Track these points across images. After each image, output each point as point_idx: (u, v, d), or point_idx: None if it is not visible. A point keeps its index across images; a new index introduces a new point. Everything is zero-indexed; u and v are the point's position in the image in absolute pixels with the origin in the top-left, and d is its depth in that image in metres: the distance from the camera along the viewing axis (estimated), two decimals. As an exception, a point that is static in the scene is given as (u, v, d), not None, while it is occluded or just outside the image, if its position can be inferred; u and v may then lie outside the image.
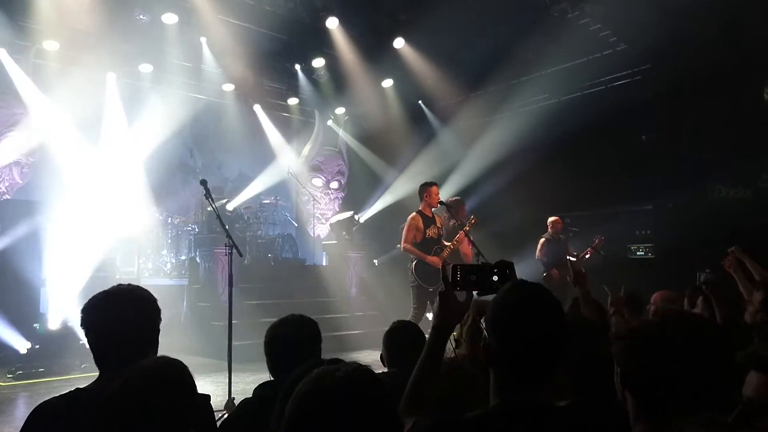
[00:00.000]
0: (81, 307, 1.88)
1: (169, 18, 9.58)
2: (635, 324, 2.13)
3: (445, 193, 9.30)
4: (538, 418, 1.48)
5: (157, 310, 1.97)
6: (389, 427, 1.25)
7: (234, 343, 5.12)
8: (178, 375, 1.56)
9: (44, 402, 1.75)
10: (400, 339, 2.91)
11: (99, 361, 1.86)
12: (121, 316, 1.86)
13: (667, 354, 1.65)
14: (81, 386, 1.79)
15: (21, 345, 7.47)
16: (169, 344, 9.06)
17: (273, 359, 2.41)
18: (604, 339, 2.30)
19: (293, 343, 2.37)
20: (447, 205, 6.95)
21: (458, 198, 7.95)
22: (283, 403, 1.35)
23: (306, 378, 1.29)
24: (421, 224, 6.99)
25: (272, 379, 2.40)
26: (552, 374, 1.55)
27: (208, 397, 1.98)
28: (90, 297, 1.90)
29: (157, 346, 1.96)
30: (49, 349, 7.54)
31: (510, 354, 1.52)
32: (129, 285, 1.98)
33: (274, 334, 2.44)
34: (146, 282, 9.37)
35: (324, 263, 11.31)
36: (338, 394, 1.23)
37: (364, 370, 1.30)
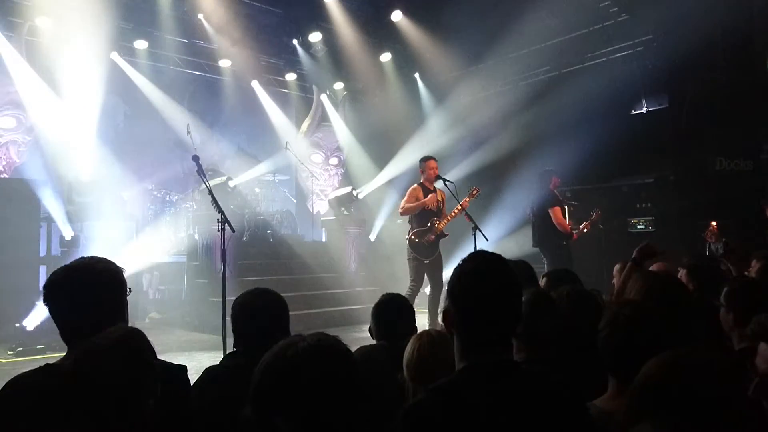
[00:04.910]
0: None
1: (163, -8, 9.49)
2: (612, 312, 2.17)
3: (444, 167, 9.24)
4: (501, 377, 1.49)
5: (122, 283, 1.93)
6: (351, 396, 1.23)
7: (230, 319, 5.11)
8: (129, 347, 1.53)
9: (15, 376, 1.73)
10: (389, 312, 2.89)
11: (65, 336, 1.83)
12: (82, 290, 1.82)
13: (640, 340, 1.80)
14: (50, 362, 1.77)
15: (28, 322, 7.50)
16: (170, 320, 9.16)
17: (239, 331, 2.37)
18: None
19: (260, 315, 2.33)
20: (445, 181, 6.90)
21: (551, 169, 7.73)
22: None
23: (270, 349, 1.27)
24: (420, 195, 7.04)
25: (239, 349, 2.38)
26: (511, 338, 1.60)
27: (184, 368, 1.96)
28: (52, 271, 1.87)
29: (125, 318, 1.93)
30: (50, 326, 7.57)
31: (466, 318, 1.56)
32: (92, 258, 1.93)
33: (240, 306, 2.40)
34: (146, 259, 9.39)
35: (323, 239, 11.30)
36: (300, 365, 1.21)
37: (328, 341, 1.28)
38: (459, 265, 1.63)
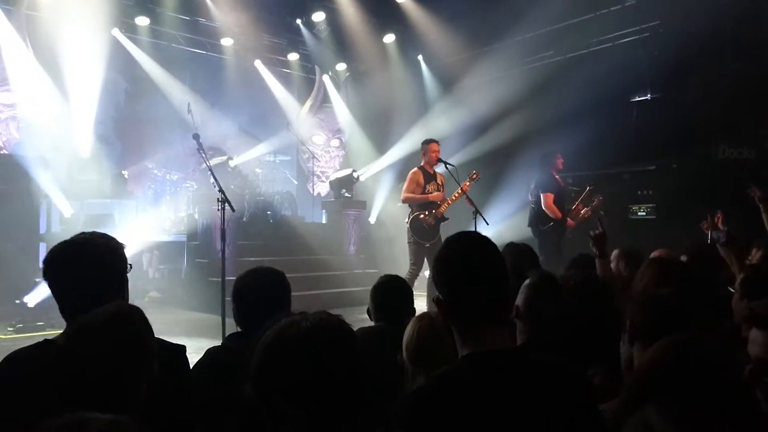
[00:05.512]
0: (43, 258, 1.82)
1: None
2: (640, 291, 2.19)
3: (446, 151, 9.19)
4: (505, 367, 1.47)
5: (122, 259, 1.90)
6: (354, 375, 1.21)
7: (229, 299, 5.11)
8: (124, 325, 1.50)
9: (14, 351, 1.73)
10: (387, 293, 2.88)
11: (64, 312, 1.81)
12: (82, 266, 1.80)
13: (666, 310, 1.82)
14: (49, 337, 1.77)
15: (29, 299, 7.50)
16: (170, 300, 9.16)
17: (241, 310, 2.36)
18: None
19: (262, 294, 2.32)
20: (446, 164, 6.88)
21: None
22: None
23: (272, 328, 1.25)
24: (421, 179, 7.01)
25: (240, 330, 2.38)
26: (507, 318, 1.58)
27: (183, 348, 1.95)
28: (52, 247, 1.84)
29: (125, 295, 1.91)
30: (51, 303, 7.58)
31: (463, 306, 1.53)
32: (93, 233, 1.90)
33: (242, 285, 2.38)
34: (146, 238, 9.39)
35: (323, 221, 11.29)
36: (302, 344, 1.19)
37: (331, 320, 1.25)
38: (442, 251, 1.61)
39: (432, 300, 1.63)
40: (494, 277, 1.54)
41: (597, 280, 2.57)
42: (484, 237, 1.62)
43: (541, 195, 7.27)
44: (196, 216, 9.26)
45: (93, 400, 1.18)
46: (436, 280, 1.59)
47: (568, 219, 7.40)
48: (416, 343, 2.15)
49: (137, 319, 1.54)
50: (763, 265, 3.58)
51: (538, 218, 7.38)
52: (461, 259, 1.55)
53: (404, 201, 7.13)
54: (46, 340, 1.74)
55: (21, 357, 1.69)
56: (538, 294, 2.22)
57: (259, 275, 2.41)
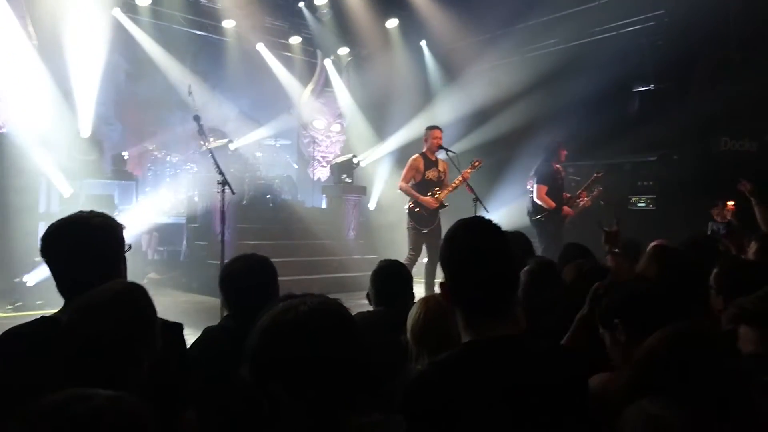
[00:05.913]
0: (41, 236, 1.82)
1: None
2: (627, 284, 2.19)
3: (447, 138, 9.15)
4: (503, 352, 1.47)
5: (118, 238, 1.90)
6: (353, 360, 1.21)
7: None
8: (127, 303, 1.51)
9: (11, 327, 1.74)
10: (387, 278, 2.89)
11: (61, 290, 1.82)
12: (79, 243, 1.80)
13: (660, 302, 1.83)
14: (47, 314, 1.78)
15: (28, 278, 7.49)
16: (169, 281, 9.17)
17: (230, 298, 2.40)
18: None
19: (250, 280, 2.35)
20: (447, 151, 6.87)
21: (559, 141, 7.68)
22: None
23: (270, 311, 1.24)
24: (421, 166, 6.99)
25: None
26: (511, 306, 1.55)
27: (180, 325, 1.96)
28: (49, 224, 1.84)
29: (122, 273, 1.91)
30: (50, 283, 7.57)
31: (466, 292, 1.53)
32: (90, 212, 1.90)
33: (228, 273, 2.43)
34: (145, 219, 9.38)
35: (323, 206, 11.28)
36: (300, 328, 1.18)
37: (330, 304, 1.25)
38: (449, 235, 1.60)
39: (439, 283, 1.62)
40: (500, 266, 1.54)
41: (607, 268, 2.58)
42: (495, 225, 1.61)
43: (534, 185, 7.28)
44: (196, 198, 9.26)
45: (95, 377, 1.19)
46: (442, 262, 1.59)
47: (566, 208, 7.39)
48: (422, 324, 2.15)
49: (141, 297, 1.55)
50: (737, 258, 3.58)
51: (534, 207, 7.40)
52: (468, 246, 1.55)
53: (400, 189, 7.12)
54: (43, 317, 1.75)
55: (19, 333, 1.70)
56: (535, 281, 2.23)
57: (245, 261, 2.45)
